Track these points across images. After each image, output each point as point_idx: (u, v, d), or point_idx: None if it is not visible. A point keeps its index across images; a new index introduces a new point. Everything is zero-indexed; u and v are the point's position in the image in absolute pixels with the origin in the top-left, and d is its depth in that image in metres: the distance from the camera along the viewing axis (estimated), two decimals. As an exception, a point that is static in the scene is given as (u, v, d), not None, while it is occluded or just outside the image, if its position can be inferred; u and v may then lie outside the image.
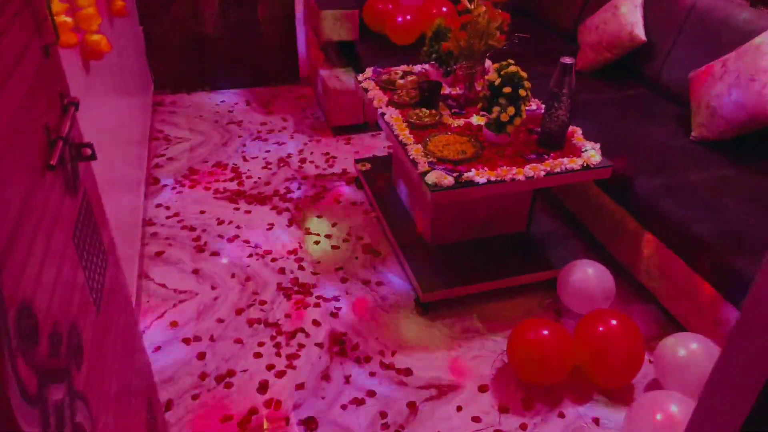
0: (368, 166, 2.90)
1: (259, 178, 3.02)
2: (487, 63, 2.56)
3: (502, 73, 2.03)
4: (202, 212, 2.76)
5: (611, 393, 1.93)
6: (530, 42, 3.30)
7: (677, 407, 1.64)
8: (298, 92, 3.99)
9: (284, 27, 3.87)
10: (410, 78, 2.57)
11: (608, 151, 2.16)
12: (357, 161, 2.94)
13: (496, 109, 2.04)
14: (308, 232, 2.64)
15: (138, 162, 2.87)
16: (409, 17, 3.24)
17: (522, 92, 2.00)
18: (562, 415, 1.86)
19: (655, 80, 2.84)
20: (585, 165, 2.03)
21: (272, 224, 2.68)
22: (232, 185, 2.96)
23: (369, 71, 2.65)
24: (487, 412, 1.86)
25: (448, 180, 1.92)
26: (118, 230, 2.13)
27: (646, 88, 2.88)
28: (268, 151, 3.26)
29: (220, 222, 2.69)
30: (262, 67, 3.98)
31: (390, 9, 3.34)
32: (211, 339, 2.09)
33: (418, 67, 2.73)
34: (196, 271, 2.40)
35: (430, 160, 2.02)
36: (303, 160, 3.18)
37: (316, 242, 2.58)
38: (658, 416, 1.64)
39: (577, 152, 2.10)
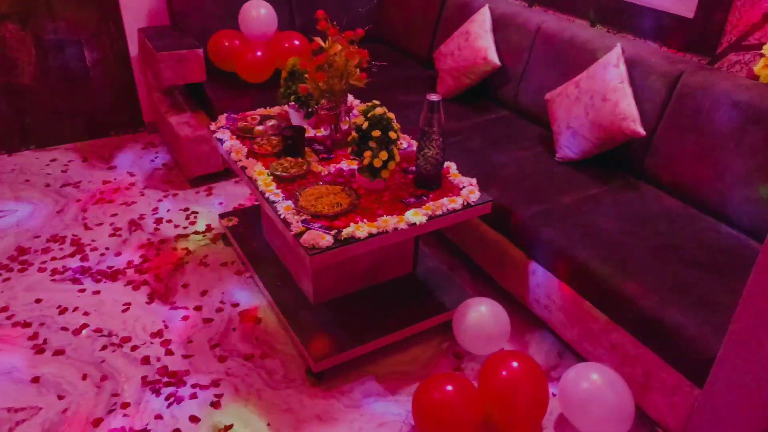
0: (235, 220, 2.63)
1: (106, 249, 2.62)
2: (350, 98, 2.42)
3: (368, 115, 1.89)
4: (38, 301, 2.31)
5: (524, 438, 1.84)
6: (388, 69, 3.23)
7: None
8: (144, 140, 3.58)
9: (118, 69, 3.46)
10: (270, 123, 2.35)
11: (482, 183, 2.11)
12: (222, 216, 2.66)
13: (367, 154, 1.89)
14: (174, 307, 2.31)
15: (-54, 250, 2.35)
16: (259, 53, 3.02)
17: (392, 135, 1.87)
18: (479, 475, 1.74)
19: (513, 102, 2.88)
20: (466, 204, 1.95)
21: (128, 304, 2.31)
22: (74, 262, 2.53)
23: (222, 119, 2.39)
24: (402, 490, 1.69)
25: (327, 240, 1.73)
26: None
27: (506, 110, 2.91)
28: (115, 215, 2.86)
29: (62, 310, 2.26)
30: (97, 116, 3.53)
31: (237, 46, 3.10)
32: (63, 467, 1.71)
33: (276, 109, 2.53)
34: (35, 380, 1.97)
35: (304, 217, 1.82)
36: (159, 221, 2.82)
37: (185, 317, 2.26)
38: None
39: (455, 190, 2.01)
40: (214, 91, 3.08)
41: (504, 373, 1.82)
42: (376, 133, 1.85)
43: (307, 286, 2.16)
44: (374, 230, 1.79)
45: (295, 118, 2.37)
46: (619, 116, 2.22)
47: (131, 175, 3.21)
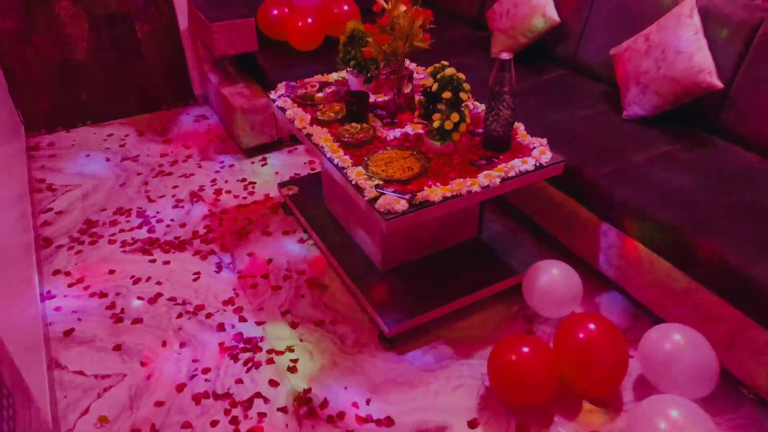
0: (295, 189, 2.64)
1: (171, 220, 2.67)
2: (406, 62, 2.37)
3: (438, 77, 1.85)
4: (112, 272, 2.38)
5: (601, 401, 1.83)
6: (436, 32, 3.15)
7: (678, 412, 1.56)
8: (196, 113, 3.61)
9: (168, 42, 3.48)
10: (329, 90, 2.33)
11: (549, 143, 2.05)
12: (281, 185, 2.67)
13: (437, 116, 1.86)
14: (242, 275, 2.35)
15: (21, 223, 2.43)
16: (310, 20, 2.99)
17: (463, 96, 1.83)
18: (559, 436, 1.74)
19: (572, 60, 2.79)
20: (538, 164, 1.90)
21: (198, 273, 2.36)
22: (142, 233, 2.59)
23: (281, 87, 2.38)
24: (483, 450, 1.70)
25: (402, 204, 1.72)
26: (8, 320, 1.76)
27: (565, 69, 2.82)
28: (176, 187, 2.90)
29: (136, 281, 2.33)
30: (149, 90, 3.56)
31: (287, 14, 3.07)
32: (154, 430, 1.77)
33: (333, 75, 2.50)
34: (117, 347, 2.04)
35: (376, 182, 1.80)
36: (218, 192, 2.86)
37: (254, 285, 2.30)
38: (661, 425, 1.55)
39: (525, 151, 1.97)
40: (267, 60, 3.06)
41: (581, 335, 1.80)
42: (447, 94, 1.82)
43: (375, 253, 2.16)
44: (448, 193, 1.77)
45: (355, 84, 2.34)
46: (694, 69, 2.13)
47: (186, 147, 3.24)
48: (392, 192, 1.76)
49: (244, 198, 2.81)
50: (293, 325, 2.11)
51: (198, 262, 2.42)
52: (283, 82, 2.43)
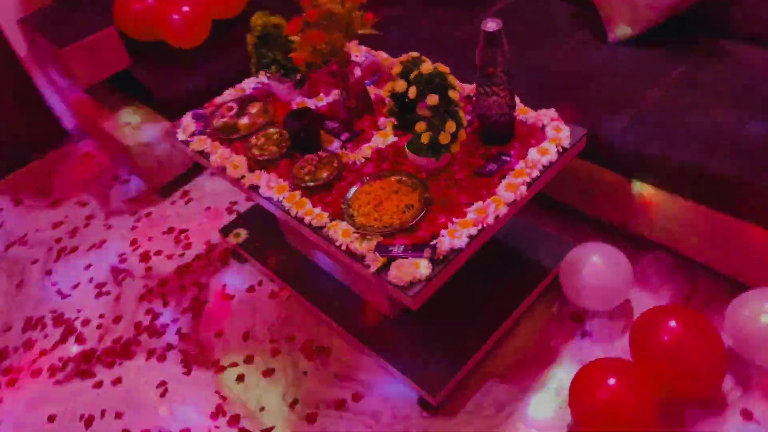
0: (242, 233, 2.10)
1: (101, 316, 2.09)
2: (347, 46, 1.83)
3: (412, 77, 1.35)
4: (51, 419, 1.83)
5: (704, 402, 1.55)
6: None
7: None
8: (77, 154, 2.89)
9: (9, 77, 2.68)
10: (253, 109, 1.77)
11: (540, 100, 1.61)
12: (223, 232, 2.13)
13: (421, 126, 1.38)
14: (219, 369, 1.86)
15: None
16: (186, 8, 2.31)
17: (453, 95, 1.35)
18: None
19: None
20: (561, 149, 1.49)
21: (164, 383, 1.85)
22: (70, 348, 2.01)
23: (188, 124, 1.80)
24: None
25: (424, 266, 1.27)
26: None
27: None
28: (89, 267, 2.29)
29: (88, 421, 1.80)
30: (6, 140, 2.79)
31: (153, 4, 2.36)
32: None
33: (249, 82, 1.92)
34: None
35: (374, 242, 1.34)
36: (145, 256, 2.28)
37: (239, 378, 1.82)
38: None
39: (535, 133, 1.53)
40: (147, 74, 2.39)
41: (665, 337, 1.48)
42: (433, 99, 1.33)
43: (379, 300, 1.73)
44: (473, 230, 1.33)
45: (282, 91, 1.79)
46: (691, -33, 1.72)
47: (82, 204, 2.58)
48: (403, 251, 1.31)
49: (181, 255, 2.25)
50: (310, 419, 1.68)
51: (157, 367, 1.90)
52: (188, 114, 1.84)
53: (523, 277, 1.77)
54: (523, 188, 1.40)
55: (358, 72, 1.64)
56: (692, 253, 1.72)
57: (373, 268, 1.30)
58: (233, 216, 2.32)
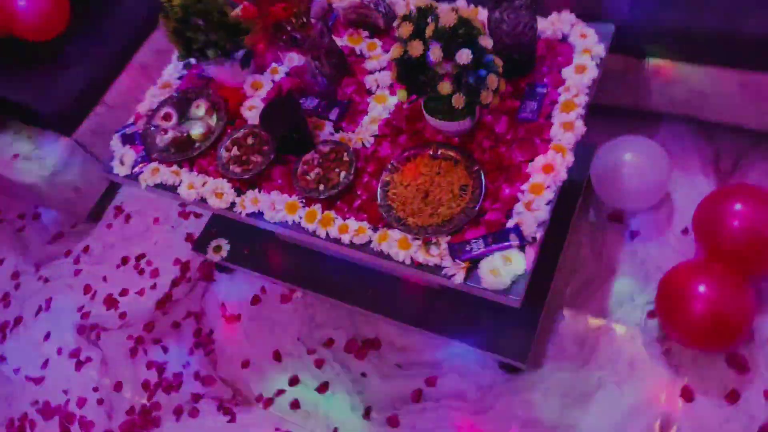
0: (223, 243, 1.78)
1: (95, 390, 1.77)
2: None
3: (430, 32, 1.04)
4: None
5: None
6: None
7: None
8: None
9: None
10: (199, 110, 1.38)
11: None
12: (196, 248, 1.80)
13: (444, 87, 1.10)
14: (267, 402, 1.64)
15: None
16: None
17: (485, 41, 1.06)
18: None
19: None
20: (598, 60, 1.26)
21: (212, 441, 1.62)
22: (80, 440, 1.71)
23: (121, 149, 1.39)
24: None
25: (518, 258, 1.07)
26: None
27: None
28: (48, 336, 1.90)
29: None
30: None
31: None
32: None
33: (172, 74, 1.50)
34: None
35: (441, 243, 1.11)
36: (110, 301, 1.91)
37: (293, 404, 1.62)
38: None
39: (556, 47, 1.29)
40: (12, 87, 1.84)
41: (735, 222, 1.40)
42: (464, 56, 1.04)
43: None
44: (550, 194, 1.13)
45: (226, 76, 1.41)
46: None
47: (-3, 262, 2.11)
48: (484, 246, 1.09)
49: (153, 288, 1.91)
50: (392, 423, 1.54)
51: (193, 425, 1.65)
52: (115, 137, 1.42)
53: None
54: (580, 123, 1.18)
55: (318, 26, 1.28)
56: (717, 117, 1.62)
57: (459, 279, 1.08)
58: (190, 220, 1.97)
